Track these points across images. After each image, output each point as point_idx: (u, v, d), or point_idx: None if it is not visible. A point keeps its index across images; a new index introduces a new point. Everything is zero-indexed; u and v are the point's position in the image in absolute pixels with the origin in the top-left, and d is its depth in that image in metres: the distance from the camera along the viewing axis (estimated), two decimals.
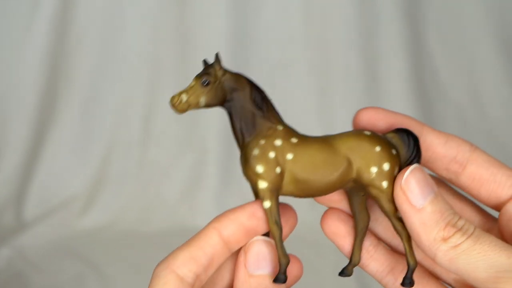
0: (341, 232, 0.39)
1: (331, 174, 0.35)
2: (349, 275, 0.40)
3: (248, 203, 0.37)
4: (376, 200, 0.36)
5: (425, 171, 0.35)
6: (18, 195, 1.13)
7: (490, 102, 1.30)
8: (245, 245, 0.35)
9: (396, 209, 0.36)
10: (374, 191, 0.36)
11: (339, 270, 0.40)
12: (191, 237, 0.36)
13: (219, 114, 1.19)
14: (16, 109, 1.17)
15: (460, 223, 0.33)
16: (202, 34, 1.20)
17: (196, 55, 1.17)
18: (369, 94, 1.24)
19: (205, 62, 0.37)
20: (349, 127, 0.41)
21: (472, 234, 0.33)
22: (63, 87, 1.19)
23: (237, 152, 0.38)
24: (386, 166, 0.35)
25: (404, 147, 0.37)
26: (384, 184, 0.35)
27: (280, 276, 0.35)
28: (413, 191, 0.34)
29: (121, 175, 1.18)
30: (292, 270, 0.37)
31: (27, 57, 1.16)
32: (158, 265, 0.35)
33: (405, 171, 0.35)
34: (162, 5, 1.19)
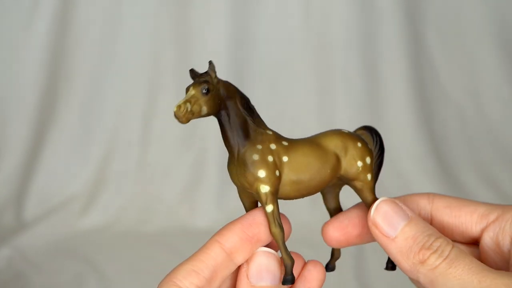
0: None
1: (325, 171, 0.37)
2: (333, 269, 0.42)
3: (248, 213, 0.37)
4: (360, 192, 0.39)
5: (392, 202, 0.36)
6: (18, 195, 1.13)
7: (490, 102, 1.30)
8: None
9: (374, 198, 0.38)
10: (359, 184, 0.38)
11: (339, 270, 0.40)
12: (195, 252, 0.36)
13: None
14: (16, 109, 1.17)
15: (436, 244, 0.34)
16: (202, 35, 1.20)
17: (196, 55, 1.17)
18: (369, 94, 1.24)
19: (192, 71, 0.36)
20: (349, 127, 0.41)
21: (447, 256, 0.33)
22: (63, 87, 1.19)
23: None
24: (368, 160, 0.38)
25: (370, 142, 0.40)
26: (368, 176, 0.38)
27: (287, 278, 0.35)
28: (381, 225, 0.36)
29: (121, 175, 1.18)
30: (312, 274, 0.37)
31: (27, 57, 1.16)
32: (161, 281, 0.35)
33: (371, 209, 0.37)
34: (162, 5, 1.19)
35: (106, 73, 1.20)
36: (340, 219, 0.40)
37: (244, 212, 0.38)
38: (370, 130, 0.41)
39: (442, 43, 1.29)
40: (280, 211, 0.36)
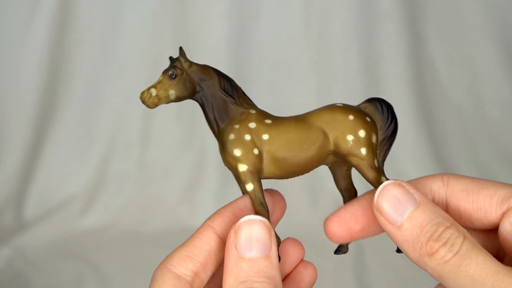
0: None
1: (309, 148, 0.36)
2: (345, 251, 0.40)
3: (239, 197, 0.37)
4: (358, 169, 0.37)
5: (399, 185, 0.33)
6: (18, 195, 1.13)
7: (490, 102, 1.30)
8: (234, 224, 0.33)
9: (379, 175, 0.37)
10: (354, 160, 0.37)
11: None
12: (188, 238, 0.35)
13: None
14: (16, 109, 1.17)
15: (445, 235, 0.31)
16: (202, 34, 1.20)
17: (196, 55, 1.17)
18: (369, 95, 1.24)
19: (171, 58, 0.38)
20: None
21: (458, 251, 0.30)
22: (63, 87, 1.19)
23: None
24: (361, 133, 0.37)
25: (378, 114, 0.39)
26: (363, 151, 0.36)
27: None
28: (386, 211, 0.33)
29: (121, 175, 1.18)
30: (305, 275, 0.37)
31: (27, 57, 1.16)
32: (157, 267, 0.35)
33: (375, 193, 0.33)
34: (162, 5, 1.19)
35: (106, 73, 1.20)
36: (342, 213, 0.37)
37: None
38: (375, 102, 0.39)
39: (442, 43, 1.29)
40: None
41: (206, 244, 0.34)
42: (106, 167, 1.18)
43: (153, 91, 0.36)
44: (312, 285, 0.37)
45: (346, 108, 0.37)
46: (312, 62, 1.23)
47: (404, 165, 1.21)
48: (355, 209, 0.36)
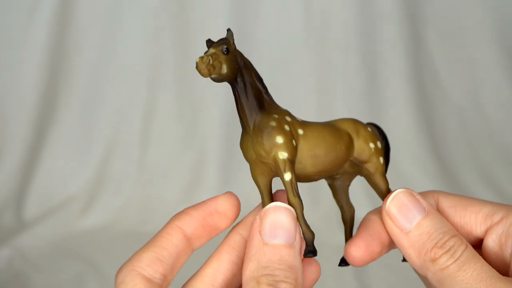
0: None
1: (341, 147, 0.37)
2: (349, 264, 0.39)
3: (210, 199, 0.37)
4: (373, 177, 0.38)
5: (410, 194, 0.35)
6: (18, 195, 1.13)
7: (490, 102, 1.30)
8: (261, 211, 0.33)
9: (387, 184, 0.38)
10: (372, 167, 0.38)
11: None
12: (154, 236, 0.35)
13: (219, 114, 1.19)
14: (16, 109, 1.16)
15: (449, 243, 0.33)
16: (202, 35, 1.19)
17: (196, 55, 1.17)
18: (369, 95, 1.24)
19: (210, 41, 0.36)
20: None
21: (458, 258, 0.32)
22: (63, 87, 1.19)
23: (237, 152, 0.37)
24: (378, 144, 0.39)
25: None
26: (381, 159, 0.38)
27: (310, 249, 0.34)
28: (396, 217, 0.34)
29: (121, 175, 1.18)
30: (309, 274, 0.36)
31: (27, 57, 1.16)
32: (120, 269, 0.34)
33: (388, 198, 0.35)
34: (162, 5, 1.19)
35: (106, 73, 1.20)
36: (363, 236, 0.37)
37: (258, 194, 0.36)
38: (377, 127, 0.41)
39: (442, 43, 1.29)
40: None
41: (175, 246, 0.34)
42: (106, 167, 1.18)
43: (210, 59, 0.34)
44: (314, 283, 0.37)
45: (362, 122, 0.40)
46: (312, 62, 1.23)
47: (404, 165, 1.21)
48: (376, 231, 0.37)
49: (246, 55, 0.38)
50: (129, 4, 1.18)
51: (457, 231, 0.36)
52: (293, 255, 0.32)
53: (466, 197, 0.38)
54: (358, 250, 0.36)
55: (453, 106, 1.29)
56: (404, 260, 0.37)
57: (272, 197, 0.36)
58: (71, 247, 1.04)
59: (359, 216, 0.40)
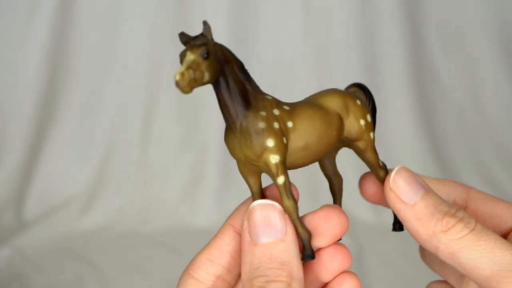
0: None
1: (332, 133, 0.35)
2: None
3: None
4: (363, 153, 0.37)
5: (411, 170, 0.35)
6: (18, 195, 1.13)
7: (490, 102, 1.30)
8: (246, 211, 0.32)
9: (378, 157, 0.37)
10: (363, 144, 0.36)
11: None
12: (210, 240, 0.34)
13: (219, 114, 1.19)
14: (16, 109, 1.17)
15: (460, 214, 0.32)
16: None
17: None
18: None
19: (183, 34, 0.33)
20: None
21: (474, 228, 0.31)
22: (63, 87, 1.19)
23: None
24: (368, 118, 0.37)
25: (364, 99, 0.38)
26: (371, 135, 0.37)
27: (307, 253, 0.33)
28: (402, 189, 0.33)
29: (121, 175, 1.18)
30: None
31: (27, 57, 1.16)
32: (182, 274, 0.33)
33: (391, 173, 0.34)
34: (162, 5, 1.19)
35: (106, 73, 1.20)
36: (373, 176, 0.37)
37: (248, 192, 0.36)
38: (363, 88, 0.39)
39: (442, 43, 1.29)
40: None
41: (227, 245, 0.33)
42: (106, 167, 1.18)
43: (191, 73, 0.30)
44: (344, 233, 0.35)
45: (351, 94, 0.37)
46: (312, 62, 1.23)
47: (404, 165, 1.20)
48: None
49: (246, 55, 0.37)
50: (129, 4, 1.18)
51: (484, 221, 0.37)
52: (285, 250, 0.31)
53: (495, 197, 0.39)
54: (371, 185, 0.37)
55: (453, 106, 1.29)
56: (394, 229, 0.37)
57: (262, 193, 0.35)
58: (71, 247, 1.04)
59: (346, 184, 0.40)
